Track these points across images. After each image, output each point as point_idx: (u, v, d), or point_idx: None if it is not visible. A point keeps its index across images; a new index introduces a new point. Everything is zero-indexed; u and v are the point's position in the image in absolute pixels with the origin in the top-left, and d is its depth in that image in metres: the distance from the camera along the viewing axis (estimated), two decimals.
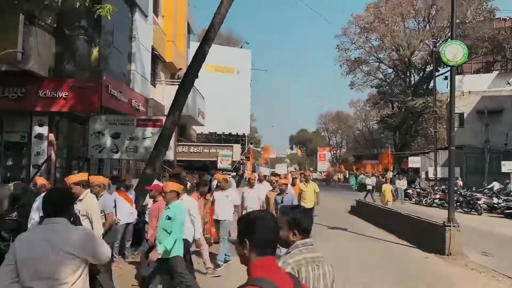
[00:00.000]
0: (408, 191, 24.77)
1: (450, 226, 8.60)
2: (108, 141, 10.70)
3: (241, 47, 43.09)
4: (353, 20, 38.89)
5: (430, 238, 9.25)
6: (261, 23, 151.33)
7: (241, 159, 35.25)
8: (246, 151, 38.11)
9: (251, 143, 42.79)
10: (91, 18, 11.22)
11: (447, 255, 8.52)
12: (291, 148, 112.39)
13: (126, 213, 7.44)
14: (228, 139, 36.98)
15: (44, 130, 10.58)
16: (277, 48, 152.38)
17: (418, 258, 8.83)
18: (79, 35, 11.09)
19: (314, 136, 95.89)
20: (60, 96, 10.32)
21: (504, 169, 22.12)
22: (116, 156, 10.81)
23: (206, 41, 8.29)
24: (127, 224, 7.60)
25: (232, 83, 37.11)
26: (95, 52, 11.13)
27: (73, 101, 10.39)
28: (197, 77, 8.59)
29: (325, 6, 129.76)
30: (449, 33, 13.08)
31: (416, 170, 32.08)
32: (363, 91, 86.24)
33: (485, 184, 23.52)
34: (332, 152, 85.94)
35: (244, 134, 39.70)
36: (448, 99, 12.41)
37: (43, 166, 10.37)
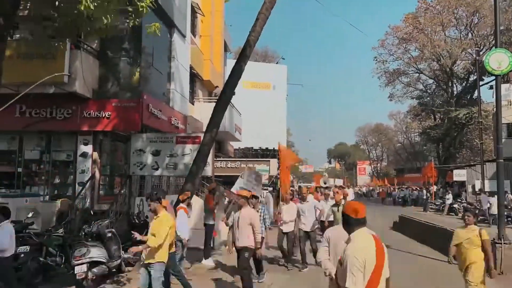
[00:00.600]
0: (454, 205, 23.68)
1: (500, 243, 8.12)
2: (149, 158, 10.99)
3: (276, 63, 43.37)
4: (391, 31, 38.27)
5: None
6: (297, 38, 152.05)
7: (278, 174, 35.15)
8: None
9: None
10: (133, 41, 11.84)
11: (499, 274, 8.02)
12: (329, 162, 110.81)
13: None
14: (264, 154, 37.02)
15: (88, 149, 11.03)
16: (312, 62, 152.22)
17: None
18: (121, 57, 11.58)
19: (353, 150, 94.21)
20: (103, 116, 10.76)
21: None
22: (157, 173, 11.06)
23: (242, 58, 8.41)
24: None
25: (268, 98, 37.39)
26: (136, 73, 11.55)
27: (116, 120, 10.80)
28: (233, 94, 8.71)
29: (361, 18, 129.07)
30: (493, 41, 12.56)
31: (462, 184, 30.68)
32: (403, 103, 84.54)
33: None
34: (372, 166, 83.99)
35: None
36: (494, 109, 11.88)
37: (88, 183, 10.79)
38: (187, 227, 7.31)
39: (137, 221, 9.00)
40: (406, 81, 41.19)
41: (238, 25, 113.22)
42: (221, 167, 31.82)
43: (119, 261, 7.23)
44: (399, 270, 8.92)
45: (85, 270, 6.22)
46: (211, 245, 10.01)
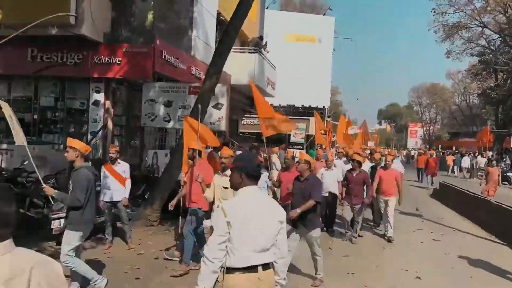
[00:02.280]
0: (508, 173, 21.57)
1: None
2: (161, 109, 10.33)
3: (324, 14, 40.74)
4: None
5: None
6: None
7: (322, 132, 33.81)
8: (325, 125, 36.45)
9: (329, 116, 40.82)
10: None
11: None
12: (380, 123, 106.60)
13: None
14: (306, 112, 35.58)
15: (100, 97, 10.52)
16: (363, 15, 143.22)
17: (506, 257, 7.15)
18: None
19: (405, 111, 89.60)
20: (114, 62, 10.11)
21: None
22: (169, 125, 10.41)
23: None
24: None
25: (313, 52, 35.32)
26: (150, 16, 10.67)
27: (126, 67, 10.11)
28: (236, 35, 7.60)
29: None
30: None
31: None
32: (461, 61, 77.97)
33: None
34: (424, 128, 79.64)
35: (324, 107, 37.91)
36: None
37: (99, 133, 10.35)
38: None
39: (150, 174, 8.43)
40: (467, 36, 37.26)
41: None
42: (257, 124, 31.20)
43: (102, 218, 6.69)
44: (420, 243, 7.83)
45: (62, 225, 5.69)
46: None
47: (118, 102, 11.07)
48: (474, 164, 27.42)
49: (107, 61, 10.12)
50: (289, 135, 25.32)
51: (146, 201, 8.47)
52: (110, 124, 10.60)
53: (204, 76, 13.13)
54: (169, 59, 10.69)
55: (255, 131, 28.49)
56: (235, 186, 2.64)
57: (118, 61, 10.05)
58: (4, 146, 9.76)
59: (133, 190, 8.65)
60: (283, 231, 2.62)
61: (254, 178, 2.60)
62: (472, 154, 32.94)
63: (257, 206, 2.55)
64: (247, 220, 2.45)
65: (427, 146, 64.44)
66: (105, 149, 10.56)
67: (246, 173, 2.58)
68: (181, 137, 8.09)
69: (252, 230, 2.45)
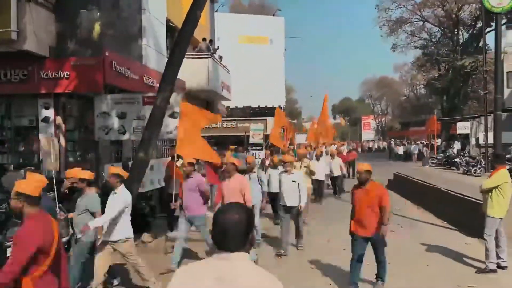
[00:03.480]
0: (456, 159, 22.81)
1: None
2: (115, 121, 10.11)
3: (273, 15, 41.28)
4: None
5: (473, 220, 7.95)
6: None
7: (280, 131, 34.24)
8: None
9: (285, 115, 41.36)
10: None
11: None
12: (334, 118, 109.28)
13: None
14: (263, 112, 35.93)
15: (50, 113, 10.13)
16: (311, 14, 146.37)
17: (457, 243, 7.63)
18: (81, 10, 10.42)
19: (358, 105, 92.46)
20: (62, 76, 9.78)
21: None
22: (124, 137, 10.22)
23: (198, 4, 7.27)
24: None
25: (265, 53, 35.77)
26: (97, 27, 10.41)
27: (76, 80, 9.82)
28: (187, 44, 7.62)
29: None
30: None
31: (466, 137, 29.69)
32: (406, 54, 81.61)
33: None
34: (377, 120, 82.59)
35: (280, 106, 38.42)
36: (499, 58, 10.65)
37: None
38: None
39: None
40: (409, 30, 39.14)
41: None
42: (216, 127, 31.11)
43: (65, 239, 6.51)
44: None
45: None
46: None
47: (69, 117, 10.73)
48: (425, 153, 28.77)
49: (55, 75, 9.79)
50: (248, 136, 25.42)
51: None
52: (62, 139, 10.27)
53: (158, 85, 13.06)
54: (120, 69, 10.49)
55: (214, 135, 28.52)
56: None
57: (67, 75, 9.75)
58: None
59: None
60: None
61: None
62: (423, 142, 34.67)
63: None
64: None
65: (381, 137, 66.88)
66: (59, 167, 10.21)
67: None
68: (140, 149, 7.99)
69: None
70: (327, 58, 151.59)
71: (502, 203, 5.92)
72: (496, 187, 5.91)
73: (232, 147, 15.57)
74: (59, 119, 10.22)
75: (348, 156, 20.59)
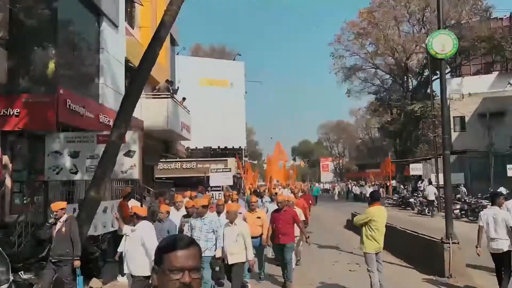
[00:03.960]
0: (410, 200, 23.54)
1: (448, 242, 7.46)
2: (67, 161, 9.69)
3: (233, 59, 42.36)
4: (347, 26, 38.11)
5: (428, 257, 8.10)
6: (255, 36, 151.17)
7: (237, 173, 34.17)
8: (242, 165, 37.01)
9: (245, 156, 41.63)
10: (48, 28, 10.50)
11: (447, 277, 7.37)
12: (294, 160, 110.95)
13: None
14: (224, 153, 35.92)
15: None
16: (271, 60, 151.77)
17: (413, 281, 7.68)
18: (34, 47, 10.22)
19: (316, 147, 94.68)
20: (11, 113, 9.36)
21: (510, 173, 20.90)
22: (77, 177, 9.78)
23: (156, 41, 7.35)
24: None
25: (226, 96, 36.36)
26: (51, 64, 10.21)
27: (26, 118, 9.42)
28: (144, 82, 7.59)
29: (318, 14, 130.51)
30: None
31: (419, 178, 30.87)
32: (360, 99, 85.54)
33: (491, 190, 22.25)
34: (335, 162, 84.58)
35: (240, 147, 38.66)
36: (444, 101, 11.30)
37: None
38: None
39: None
40: (363, 77, 41.26)
41: (192, 19, 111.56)
42: (175, 168, 30.67)
43: (5, 286, 5.97)
44: (341, 272, 8.01)
45: None
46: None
47: (17, 156, 10.21)
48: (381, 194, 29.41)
49: (4, 113, 9.35)
50: (208, 177, 25.15)
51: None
52: (8, 180, 9.69)
53: None
54: (74, 108, 10.19)
55: (172, 176, 27.98)
56: None
57: (17, 112, 9.34)
58: None
59: (38, 251, 7.90)
60: None
61: None
62: (379, 184, 35.67)
63: None
64: None
65: (338, 179, 68.28)
66: (3, 209, 9.57)
67: None
68: (92, 188, 7.63)
69: None
70: (287, 102, 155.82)
71: (373, 238, 6.34)
72: (366, 224, 6.39)
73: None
74: (6, 159, 9.69)
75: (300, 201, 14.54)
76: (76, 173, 9.56)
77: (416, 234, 9.20)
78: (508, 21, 30.53)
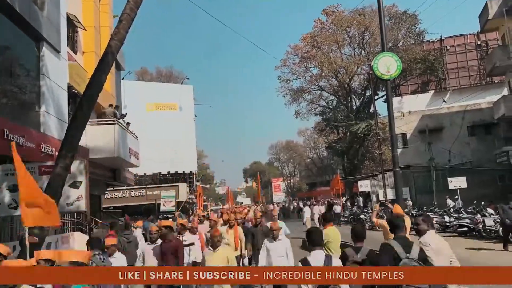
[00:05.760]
0: (361, 216, 24.12)
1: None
2: (6, 195, 8.95)
3: (181, 83, 42.04)
4: (291, 50, 39.27)
5: None
6: (202, 61, 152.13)
7: (188, 199, 33.46)
8: (194, 189, 36.36)
9: (197, 180, 41.01)
10: None
11: None
12: (246, 181, 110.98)
13: None
14: (174, 179, 35.11)
15: None
16: (220, 83, 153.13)
17: None
18: None
19: (267, 168, 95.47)
20: None
21: (451, 185, 22.10)
22: (17, 213, 9.01)
23: (102, 67, 7.04)
24: None
25: (175, 120, 35.67)
26: None
27: None
28: (91, 109, 7.24)
29: (264, 38, 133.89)
30: None
31: (368, 194, 31.85)
32: (308, 120, 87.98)
33: (435, 203, 23.40)
34: (286, 182, 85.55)
35: (191, 171, 38.01)
36: (392, 120, 11.85)
37: None
38: None
39: None
40: (309, 99, 42.42)
41: (139, 44, 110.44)
42: (124, 196, 29.42)
43: None
44: None
45: None
46: None
47: None
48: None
49: None
50: (159, 204, 24.37)
51: None
52: None
53: (57, 153, 12.06)
54: (12, 138, 9.51)
55: (120, 205, 26.82)
56: None
57: None
58: None
59: None
60: None
61: None
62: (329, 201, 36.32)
63: None
64: None
65: (291, 198, 68.98)
66: None
67: None
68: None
69: None
70: (236, 124, 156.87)
71: None
72: (324, 245, 6.22)
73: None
74: None
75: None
76: (16, 208, 8.83)
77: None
78: (439, 44, 32.96)
